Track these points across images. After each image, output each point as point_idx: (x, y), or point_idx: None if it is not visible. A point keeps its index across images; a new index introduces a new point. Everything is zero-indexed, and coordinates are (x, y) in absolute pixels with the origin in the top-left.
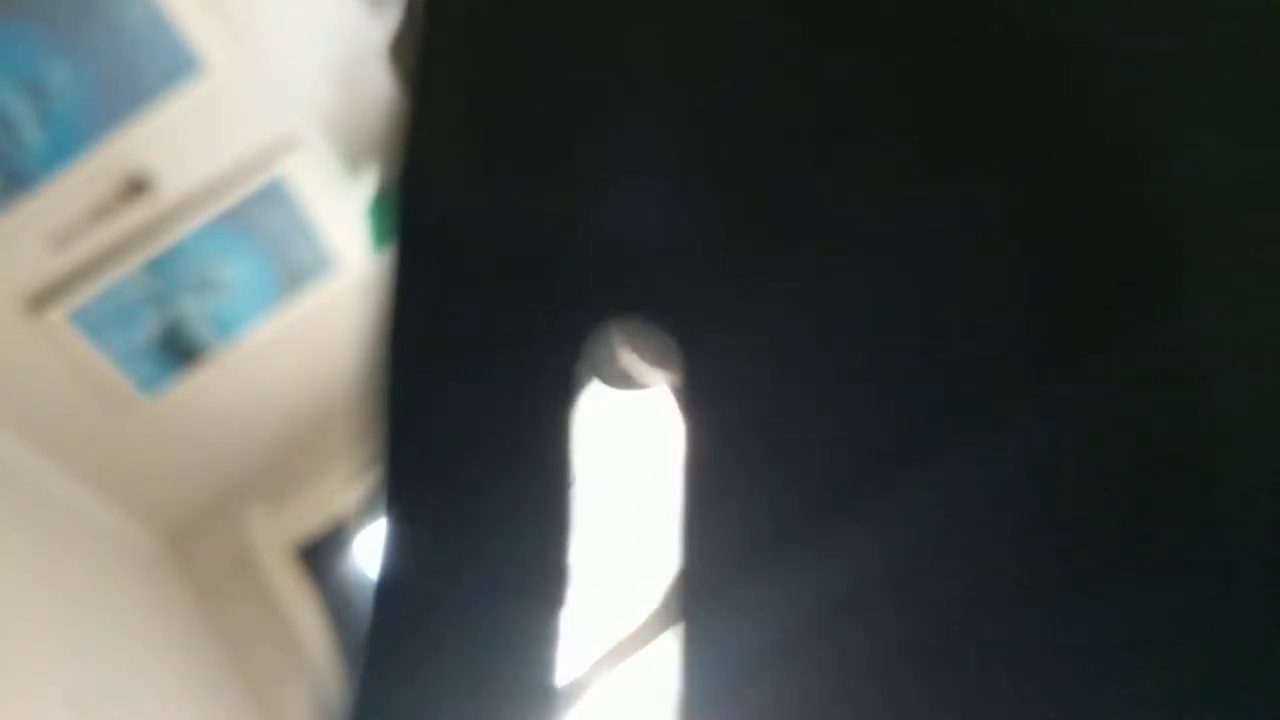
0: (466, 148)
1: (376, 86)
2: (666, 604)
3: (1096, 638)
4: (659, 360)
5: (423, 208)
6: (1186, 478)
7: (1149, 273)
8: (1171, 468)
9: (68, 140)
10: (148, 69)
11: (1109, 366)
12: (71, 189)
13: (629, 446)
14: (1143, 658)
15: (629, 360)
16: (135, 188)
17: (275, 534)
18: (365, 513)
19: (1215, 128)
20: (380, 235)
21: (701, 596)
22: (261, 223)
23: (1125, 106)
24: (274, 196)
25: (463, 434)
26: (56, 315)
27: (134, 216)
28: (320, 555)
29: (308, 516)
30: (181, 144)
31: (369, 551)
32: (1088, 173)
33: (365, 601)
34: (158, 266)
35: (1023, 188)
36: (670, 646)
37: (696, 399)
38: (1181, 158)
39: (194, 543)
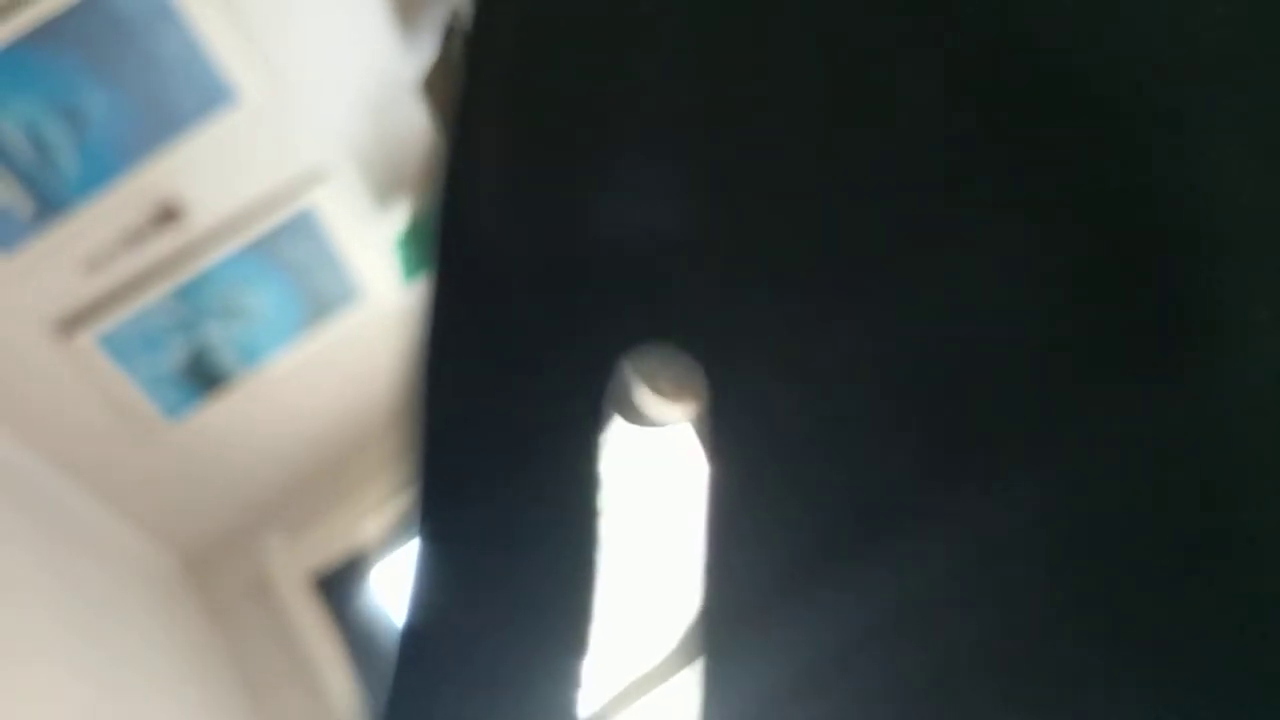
0: (502, 175)
1: (408, 120)
2: (687, 639)
3: (1125, 676)
4: (684, 391)
5: (459, 234)
6: (1216, 518)
7: (1186, 309)
8: (1201, 508)
9: (102, 167)
10: (183, 99)
11: (1142, 403)
12: (104, 215)
13: (653, 481)
14: (1172, 696)
15: (654, 394)
16: (167, 215)
17: (293, 563)
18: (384, 544)
19: (1264, 165)
20: (411, 267)
21: (722, 632)
22: (289, 253)
23: (1169, 138)
24: (303, 227)
25: (490, 467)
26: (86, 339)
27: (164, 243)
28: (337, 585)
29: (326, 546)
30: (213, 173)
31: (386, 583)
32: (1126, 205)
33: (383, 633)
34: (186, 293)
35: (1059, 219)
36: (690, 683)
37: (721, 430)
38: (1227, 195)
39: (212, 568)
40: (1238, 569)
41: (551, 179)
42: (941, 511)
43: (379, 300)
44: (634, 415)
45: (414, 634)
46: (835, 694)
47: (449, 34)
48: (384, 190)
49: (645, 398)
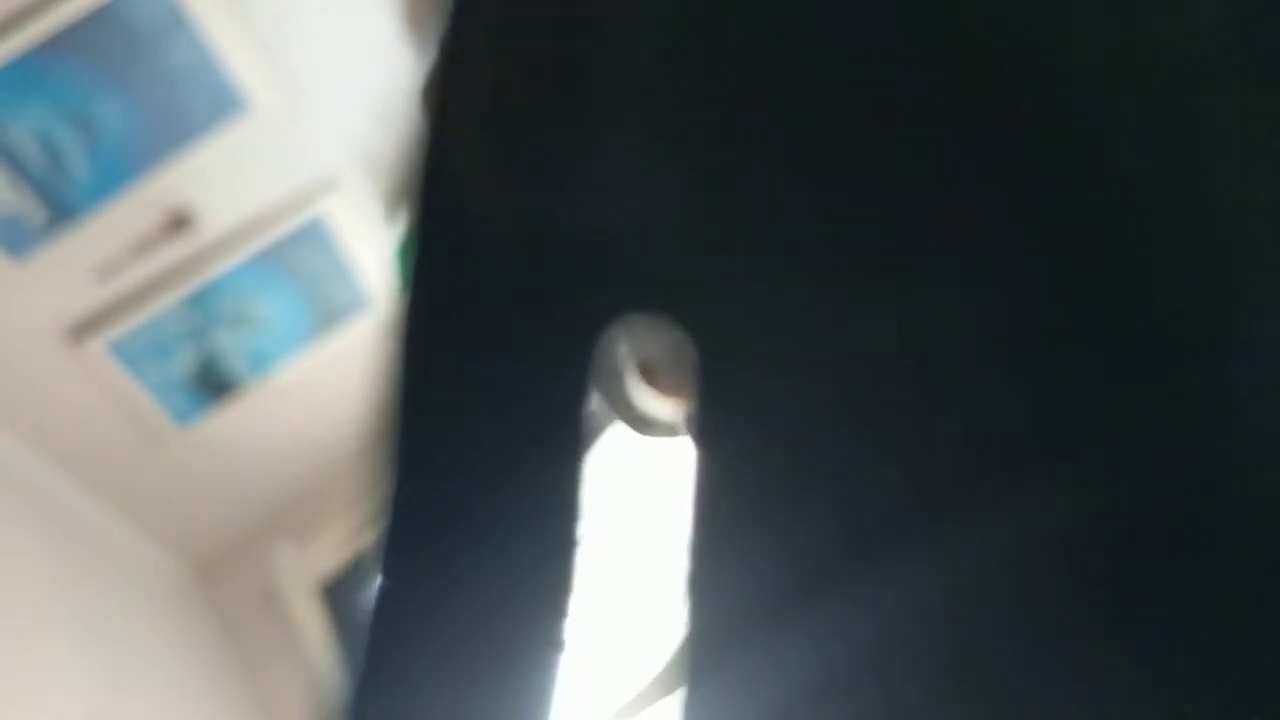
0: (486, 157)
1: (417, 129)
2: (672, 664)
3: (1144, 674)
4: (676, 379)
5: (441, 219)
6: (1230, 519)
7: (1195, 319)
8: (1216, 509)
9: (114, 174)
10: (194, 107)
11: (1152, 413)
12: (115, 222)
13: (641, 498)
14: (1190, 692)
15: (645, 382)
16: (178, 223)
17: (301, 570)
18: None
19: (1270, 173)
20: (407, 277)
21: (708, 653)
22: (300, 261)
23: (1169, 152)
24: (313, 235)
25: (468, 452)
26: (96, 346)
27: (175, 251)
28: (345, 593)
29: (334, 554)
30: (224, 181)
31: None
32: (1135, 211)
33: (360, 638)
34: (196, 301)
35: (1062, 228)
36: (675, 707)
37: (714, 426)
38: (1236, 203)
39: (220, 575)
40: (1251, 570)
41: (537, 159)
42: (942, 526)
43: (388, 309)
44: (625, 407)
45: (385, 618)
46: (841, 703)
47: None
48: (394, 199)
49: (636, 386)
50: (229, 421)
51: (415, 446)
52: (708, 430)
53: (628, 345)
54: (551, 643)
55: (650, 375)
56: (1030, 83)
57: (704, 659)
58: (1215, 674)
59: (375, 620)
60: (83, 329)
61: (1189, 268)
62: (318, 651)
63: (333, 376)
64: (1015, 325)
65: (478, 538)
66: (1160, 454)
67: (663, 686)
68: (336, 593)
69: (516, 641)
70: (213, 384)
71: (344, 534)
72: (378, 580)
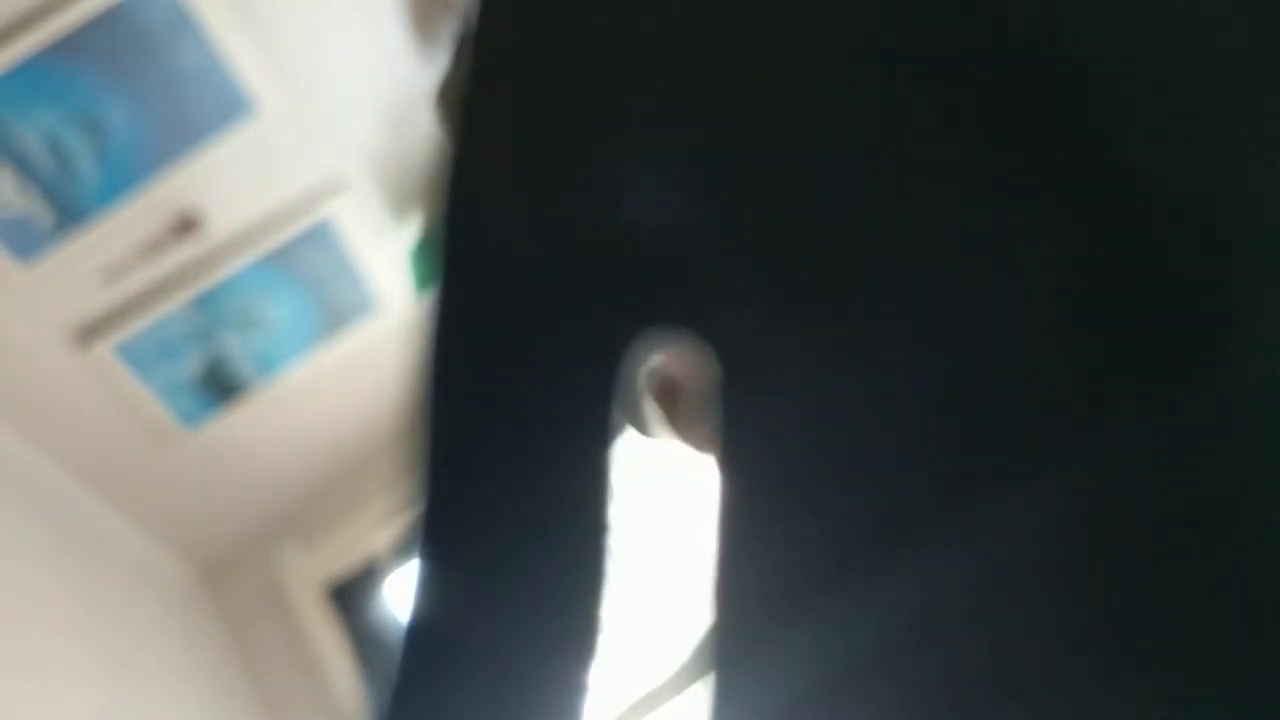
0: (510, 174)
1: (425, 132)
2: (698, 654)
3: (1137, 684)
4: (696, 404)
5: (465, 236)
6: (1227, 533)
7: (1197, 325)
8: (1214, 518)
9: (122, 177)
10: (202, 110)
11: (1152, 419)
12: (123, 225)
13: (665, 494)
14: (1182, 703)
15: (659, 421)
16: (185, 225)
17: (308, 572)
18: (398, 554)
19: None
20: (423, 279)
21: (733, 647)
22: (307, 263)
23: (1180, 151)
24: (320, 238)
25: (498, 469)
26: (104, 348)
27: (183, 253)
28: (351, 595)
29: (341, 556)
30: (232, 184)
31: (400, 594)
32: (1137, 220)
33: (395, 642)
34: (204, 303)
35: (1070, 235)
36: (701, 698)
37: (733, 440)
38: (1239, 208)
39: (227, 577)
40: (1250, 578)
41: (563, 165)
42: (953, 529)
43: (395, 311)
44: (645, 425)
45: (419, 637)
46: (844, 710)
47: (462, 45)
48: (401, 202)
49: (652, 415)
50: (235, 423)
51: (445, 449)
52: (728, 452)
53: (644, 375)
54: (588, 649)
55: (669, 401)
56: (1046, 93)
57: (728, 653)
58: (1216, 681)
59: (413, 625)
60: (90, 331)
61: (1196, 271)
62: (323, 654)
63: (340, 378)
64: (1025, 335)
65: (512, 537)
66: (1168, 459)
67: (680, 681)
68: (343, 595)
69: (554, 645)
70: (220, 386)
71: (351, 536)
72: (415, 584)
